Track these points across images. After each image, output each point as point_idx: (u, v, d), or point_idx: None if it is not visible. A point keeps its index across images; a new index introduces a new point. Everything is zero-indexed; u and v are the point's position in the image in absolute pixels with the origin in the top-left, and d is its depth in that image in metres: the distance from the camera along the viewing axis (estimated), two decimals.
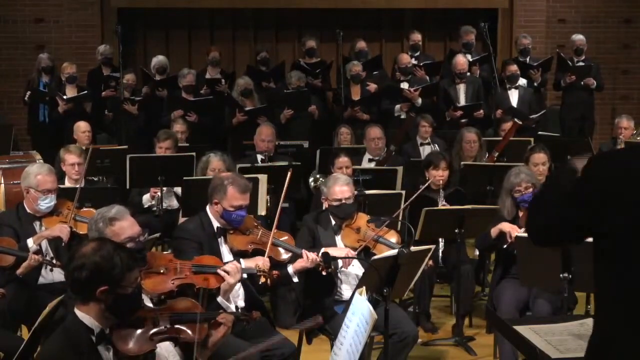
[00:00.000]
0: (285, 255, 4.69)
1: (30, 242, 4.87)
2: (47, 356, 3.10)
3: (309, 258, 4.58)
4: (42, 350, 3.28)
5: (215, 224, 4.57)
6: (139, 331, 3.13)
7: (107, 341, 3.07)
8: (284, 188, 4.78)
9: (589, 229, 2.51)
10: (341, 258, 4.80)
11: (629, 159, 2.53)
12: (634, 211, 2.42)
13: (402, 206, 5.73)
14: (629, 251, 2.43)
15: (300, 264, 4.60)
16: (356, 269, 4.93)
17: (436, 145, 8.20)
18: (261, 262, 4.38)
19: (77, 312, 3.05)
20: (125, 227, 3.71)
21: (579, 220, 2.51)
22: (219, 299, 4.07)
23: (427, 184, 5.97)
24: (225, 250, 4.57)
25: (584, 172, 2.55)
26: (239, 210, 4.53)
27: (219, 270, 4.05)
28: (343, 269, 4.94)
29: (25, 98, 9.63)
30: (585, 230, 2.53)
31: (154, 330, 3.18)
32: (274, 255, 4.61)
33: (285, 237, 4.80)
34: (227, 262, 4.24)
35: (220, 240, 4.58)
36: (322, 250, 4.75)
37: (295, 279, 4.64)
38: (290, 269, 4.62)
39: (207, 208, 4.63)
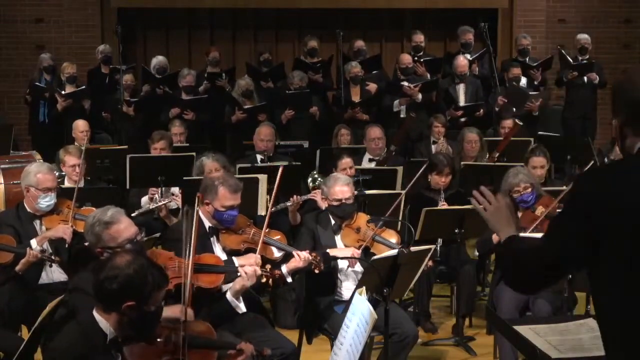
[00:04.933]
0: (277, 254, 4.68)
1: (34, 243, 4.86)
2: (61, 347, 3.08)
3: (301, 258, 4.55)
4: (55, 342, 3.23)
5: (207, 223, 4.56)
6: (149, 348, 3.12)
7: (118, 349, 3.06)
8: (275, 187, 4.76)
9: (588, 257, 2.36)
10: (343, 258, 4.79)
11: (615, 174, 2.40)
12: (633, 227, 2.27)
13: (395, 204, 5.66)
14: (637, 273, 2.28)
15: (293, 264, 4.56)
16: (356, 268, 4.92)
17: (449, 147, 8.17)
18: (253, 259, 4.37)
19: (96, 314, 3.05)
20: (122, 229, 3.74)
21: (578, 249, 2.37)
22: (229, 297, 4.09)
23: (427, 187, 5.95)
24: (218, 249, 4.56)
25: (572, 196, 2.42)
26: (230, 210, 4.52)
27: (240, 269, 4.09)
28: (346, 268, 4.94)
29: (27, 96, 9.65)
30: (583, 259, 2.39)
31: (164, 349, 3.16)
32: (266, 254, 4.60)
33: (278, 236, 4.78)
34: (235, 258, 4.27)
35: (213, 239, 4.56)
36: (327, 251, 4.76)
37: (289, 279, 4.59)
38: (284, 268, 4.57)
39: (199, 208, 4.62)
